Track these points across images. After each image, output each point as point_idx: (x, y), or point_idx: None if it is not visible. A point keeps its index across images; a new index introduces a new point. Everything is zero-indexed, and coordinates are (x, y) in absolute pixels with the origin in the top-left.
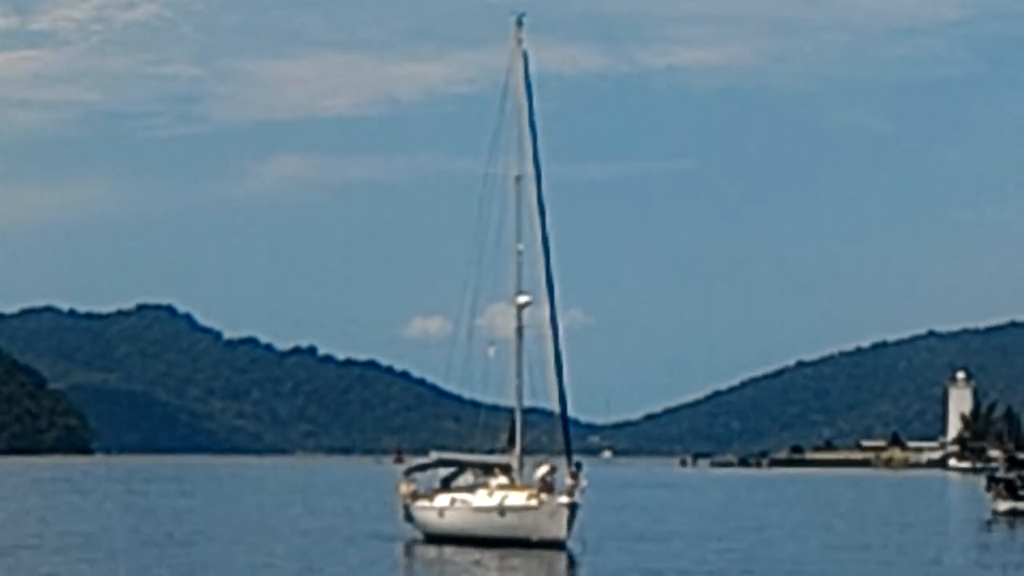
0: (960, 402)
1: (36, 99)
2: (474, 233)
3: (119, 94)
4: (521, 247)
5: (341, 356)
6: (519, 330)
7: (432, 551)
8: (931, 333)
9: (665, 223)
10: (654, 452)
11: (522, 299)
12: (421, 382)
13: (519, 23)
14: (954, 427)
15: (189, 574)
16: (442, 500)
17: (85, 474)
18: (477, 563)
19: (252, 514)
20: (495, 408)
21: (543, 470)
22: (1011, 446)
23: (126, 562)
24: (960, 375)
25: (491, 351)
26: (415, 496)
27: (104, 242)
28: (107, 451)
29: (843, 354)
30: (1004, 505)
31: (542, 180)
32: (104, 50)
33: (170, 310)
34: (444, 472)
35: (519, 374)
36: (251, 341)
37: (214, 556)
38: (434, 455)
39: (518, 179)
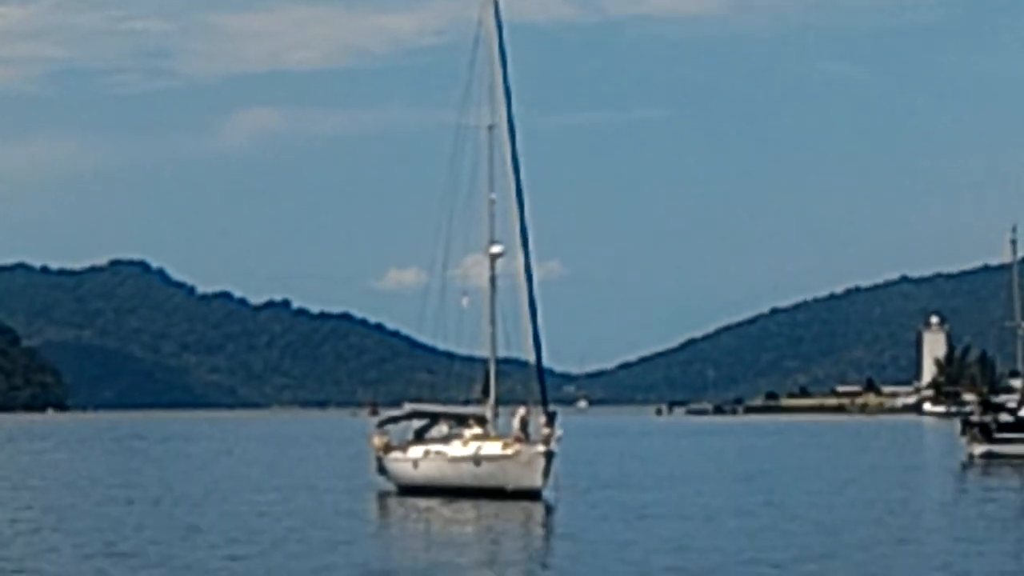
0: (934, 347)
1: (3, 56)
2: (446, 184)
3: (87, 50)
4: (494, 197)
5: (315, 309)
6: (492, 280)
7: (407, 502)
8: (904, 278)
9: (638, 173)
10: (629, 401)
11: (495, 249)
12: (395, 334)
13: None
14: (928, 372)
15: (163, 528)
16: (416, 451)
17: (69, 432)
18: (452, 513)
19: (226, 468)
20: (470, 359)
21: (520, 412)
22: (985, 390)
23: (107, 518)
24: (934, 320)
25: (465, 301)
26: (388, 448)
27: (76, 198)
28: (83, 408)
29: (816, 300)
30: (979, 448)
31: (515, 129)
32: (71, 6)
33: (143, 265)
34: (417, 424)
35: (493, 324)
36: (225, 295)
37: (186, 511)
38: (407, 407)
39: (490, 128)
